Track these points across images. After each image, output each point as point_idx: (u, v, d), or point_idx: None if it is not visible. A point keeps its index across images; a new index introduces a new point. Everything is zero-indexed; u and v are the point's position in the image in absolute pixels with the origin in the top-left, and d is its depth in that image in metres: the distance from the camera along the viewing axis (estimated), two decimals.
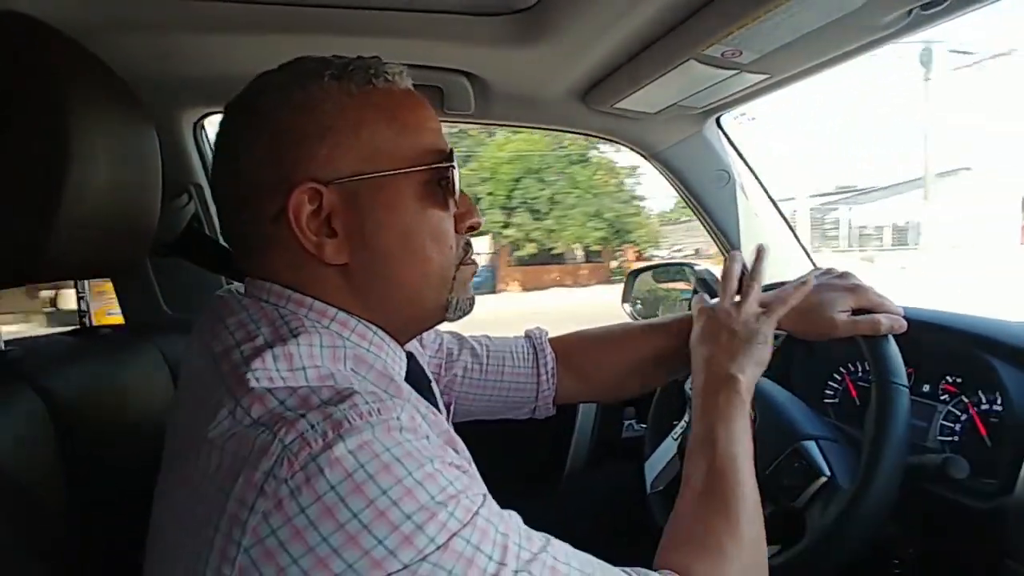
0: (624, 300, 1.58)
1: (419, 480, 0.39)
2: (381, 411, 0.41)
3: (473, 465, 0.52)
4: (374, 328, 0.53)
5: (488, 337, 0.88)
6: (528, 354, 0.86)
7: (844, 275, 0.81)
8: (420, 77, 0.96)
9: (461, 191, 0.55)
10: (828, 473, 0.73)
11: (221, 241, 1.11)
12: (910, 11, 0.67)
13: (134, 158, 0.62)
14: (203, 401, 0.44)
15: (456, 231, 0.56)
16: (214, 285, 1.07)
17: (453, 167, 0.53)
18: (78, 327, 0.87)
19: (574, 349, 0.89)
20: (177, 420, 0.48)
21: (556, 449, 1.32)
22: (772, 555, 0.75)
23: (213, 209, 1.10)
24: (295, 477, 0.37)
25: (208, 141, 1.11)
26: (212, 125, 1.11)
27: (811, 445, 0.76)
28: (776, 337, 1.06)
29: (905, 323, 0.75)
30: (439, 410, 0.62)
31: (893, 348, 0.73)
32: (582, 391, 0.91)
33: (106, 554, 0.46)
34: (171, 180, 0.70)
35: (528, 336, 0.89)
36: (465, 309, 0.58)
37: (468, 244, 0.58)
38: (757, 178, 1.27)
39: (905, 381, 0.70)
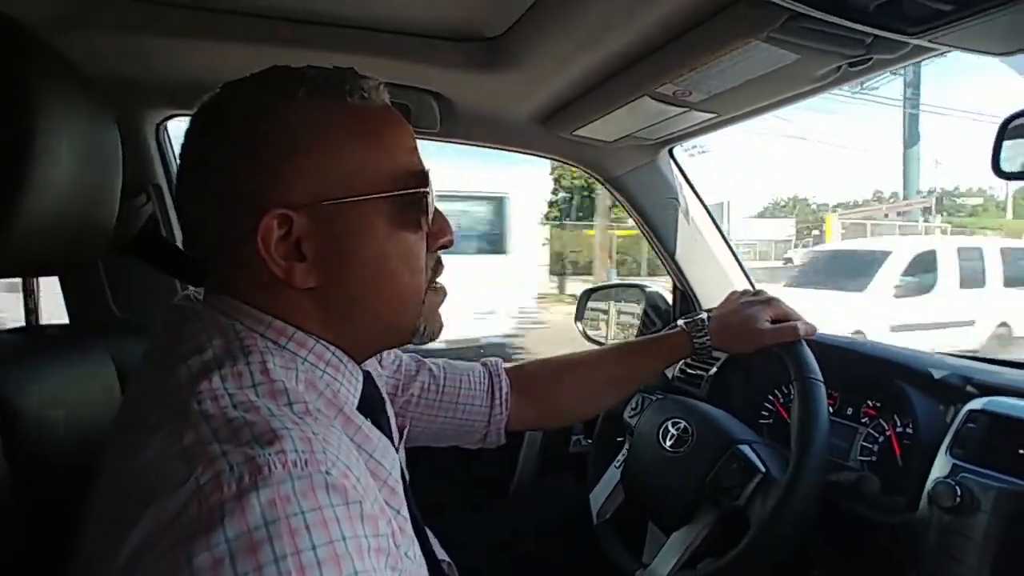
0: (577, 319, 1.63)
1: (321, 559, 0.35)
2: (308, 463, 0.38)
3: (405, 508, 0.52)
4: (332, 348, 0.52)
5: (447, 360, 0.89)
6: (483, 379, 0.87)
7: (758, 292, 0.91)
8: (389, 95, 0.99)
9: (436, 210, 0.54)
10: (763, 469, 0.79)
11: (177, 243, 1.10)
12: (839, 67, 0.74)
13: (96, 157, 0.61)
14: (142, 422, 0.43)
15: (427, 249, 0.55)
16: (167, 288, 1.06)
17: (428, 191, 0.52)
18: (23, 325, 0.85)
19: (530, 377, 0.92)
20: (116, 436, 0.46)
21: (504, 462, 1.34)
22: (713, 561, 0.80)
23: (171, 210, 1.09)
24: (199, 521, 0.34)
25: (170, 142, 1.10)
26: (175, 127, 1.10)
27: (745, 448, 0.82)
28: (716, 359, 1.14)
29: (816, 327, 0.85)
30: (391, 435, 0.61)
31: (806, 349, 0.81)
32: (536, 418, 0.93)
33: (53, 557, 0.45)
34: (130, 180, 0.70)
35: (484, 364, 0.90)
36: (432, 335, 0.57)
37: (438, 263, 0.57)
38: (704, 206, 1.34)
39: (820, 376, 0.78)
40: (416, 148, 0.55)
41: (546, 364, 0.95)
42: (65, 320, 1.04)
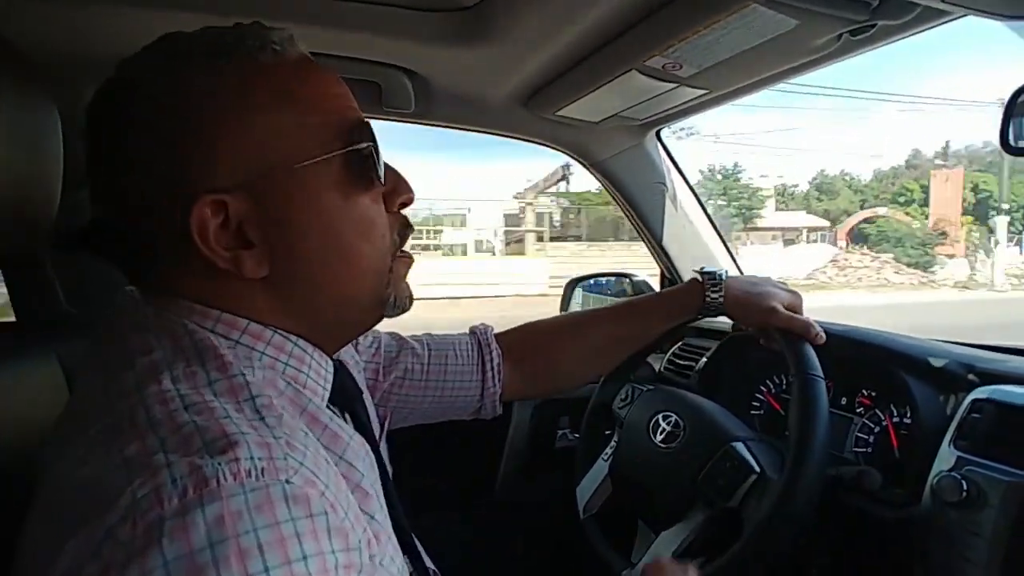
0: (563, 309, 1.59)
1: None
2: (266, 471, 0.34)
3: (382, 512, 0.48)
4: (293, 339, 0.47)
5: (430, 335, 0.84)
6: (472, 351, 0.82)
7: (782, 283, 0.88)
8: (357, 71, 0.93)
9: (386, 165, 0.49)
10: (758, 469, 0.76)
11: None
12: (839, 36, 0.70)
13: (30, 140, 0.56)
14: (85, 431, 0.38)
15: (388, 211, 0.50)
16: (124, 282, 0.99)
17: (371, 143, 0.47)
18: None
19: (523, 344, 0.87)
20: (58, 444, 0.42)
21: (489, 459, 1.30)
22: (704, 562, 0.76)
23: None
24: (134, 542, 0.30)
25: None
26: None
27: (740, 446, 0.79)
28: (707, 348, 1.10)
29: (824, 336, 0.81)
30: (371, 428, 0.57)
31: (809, 346, 0.78)
32: (532, 385, 0.88)
33: None
34: (77, 168, 0.64)
35: (473, 332, 0.85)
36: (404, 306, 0.53)
37: (404, 224, 0.52)
38: (692, 190, 1.30)
39: (821, 373, 0.75)
40: (349, 99, 0.49)
41: (541, 327, 0.90)
42: None
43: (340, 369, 0.53)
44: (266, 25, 0.46)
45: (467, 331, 0.86)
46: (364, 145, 0.47)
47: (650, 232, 1.30)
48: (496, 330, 0.87)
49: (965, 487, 0.66)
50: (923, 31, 0.69)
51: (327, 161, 0.45)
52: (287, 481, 0.34)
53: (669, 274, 1.36)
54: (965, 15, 0.61)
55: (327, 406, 0.50)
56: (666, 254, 1.32)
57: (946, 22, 0.66)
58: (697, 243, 1.32)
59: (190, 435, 0.35)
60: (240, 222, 0.43)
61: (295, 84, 0.45)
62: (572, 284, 1.63)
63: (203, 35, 0.45)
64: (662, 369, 1.21)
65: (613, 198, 1.29)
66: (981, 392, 0.75)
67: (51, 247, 0.93)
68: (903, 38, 0.72)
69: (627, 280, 1.51)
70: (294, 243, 0.45)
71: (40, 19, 0.77)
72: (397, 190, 0.51)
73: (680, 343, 1.23)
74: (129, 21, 0.80)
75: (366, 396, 0.64)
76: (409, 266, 0.53)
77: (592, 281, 1.63)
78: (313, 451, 0.40)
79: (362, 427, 0.54)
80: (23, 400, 0.69)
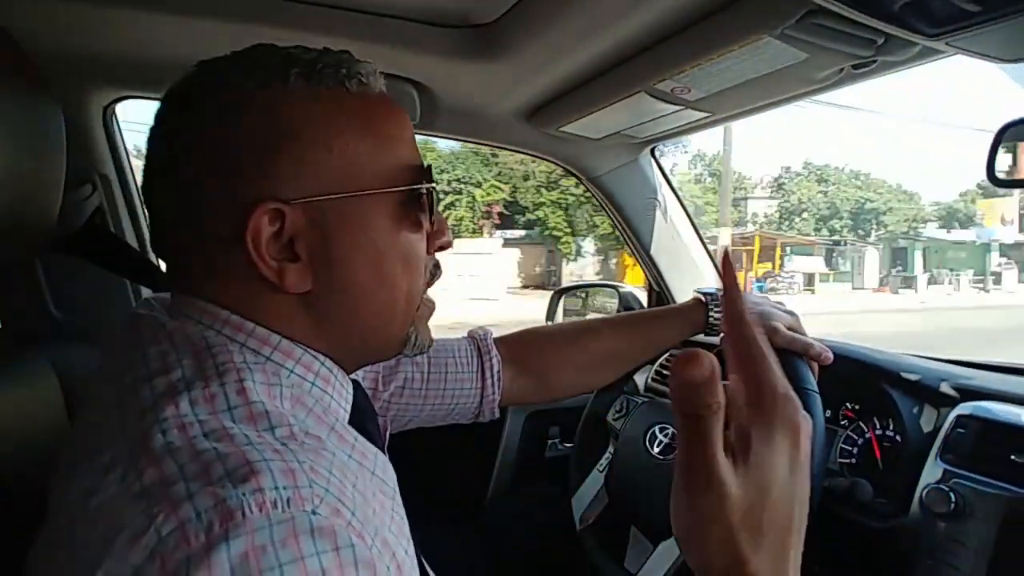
0: (548, 319, 1.60)
1: None
2: (291, 502, 0.33)
3: (407, 528, 0.47)
4: (322, 358, 0.47)
5: None
6: (472, 358, 0.82)
7: (780, 304, 0.89)
8: None
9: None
10: None
11: (127, 239, 1.00)
12: (842, 69, 0.73)
13: (35, 142, 0.54)
14: (98, 455, 0.37)
15: (427, 252, 0.51)
16: (116, 288, 0.96)
17: (433, 186, 0.49)
18: None
19: (525, 349, 0.86)
20: (67, 469, 0.40)
21: (481, 468, 1.30)
22: None
23: (120, 202, 0.99)
24: None
25: (119, 128, 1.00)
26: (124, 110, 1.00)
27: None
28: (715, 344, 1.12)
29: (831, 355, 0.81)
30: (381, 441, 0.57)
31: (804, 363, 0.81)
32: (531, 392, 0.88)
33: None
34: (73, 169, 0.62)
35: (472, 337, 0.84)
36: (423, 348, 0.54)
37: (437, 265, 0.54)
38: (683, 206, 1.33)
39: (817, 389, 0.78)
40: (415, 140, 0.51)
41: (542, 334, 0.90)
42: None
43: (356, 388, 0.53)
44: (356, 58, 0.47)
45: (465, 335, 0.85)
46: (423, 187, 0.48)
47: (640, 245, 1.32)
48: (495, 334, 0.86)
49: (953, 499, 0.70)
50: (919, 65, 0.73)
51: (387, 194, 0.47)
52: (313, 512, 0.33)
53: (657, 286, 1.38)
54: (956, 54, 0.64)
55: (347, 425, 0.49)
56: (655, 266, 1.34)
57: (940, 59, 0.70)
58: (685, 256, 1.35)
59: (211, 463, 0.34)
60: (292, 236, 0.44)
61: (374, 118, 0.47)
62: (558, 294, 1.64)
63: (296, 53, 0.45)
64: (649, 381, 1.23)
65: (606, 211, 1.32)
66: (965, 408, 0.79)
67: (42, 252, 0.90)
68: (899, 71, 0.76)
69: (614, 291, 1.53)
70: (339, 264, 0.46)
71: (46, 18, 0.75)
72: (440, 232, 0.52)
73: (667, 355, 1.25)
74: (138, 23, 0.78)
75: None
76: (431, 312, 0.54)
77: (579, 291, 1.64)
78: (339, 474, 0.39)
79: (373, 443, 0.53)
80: (19, 408, 0.67)
